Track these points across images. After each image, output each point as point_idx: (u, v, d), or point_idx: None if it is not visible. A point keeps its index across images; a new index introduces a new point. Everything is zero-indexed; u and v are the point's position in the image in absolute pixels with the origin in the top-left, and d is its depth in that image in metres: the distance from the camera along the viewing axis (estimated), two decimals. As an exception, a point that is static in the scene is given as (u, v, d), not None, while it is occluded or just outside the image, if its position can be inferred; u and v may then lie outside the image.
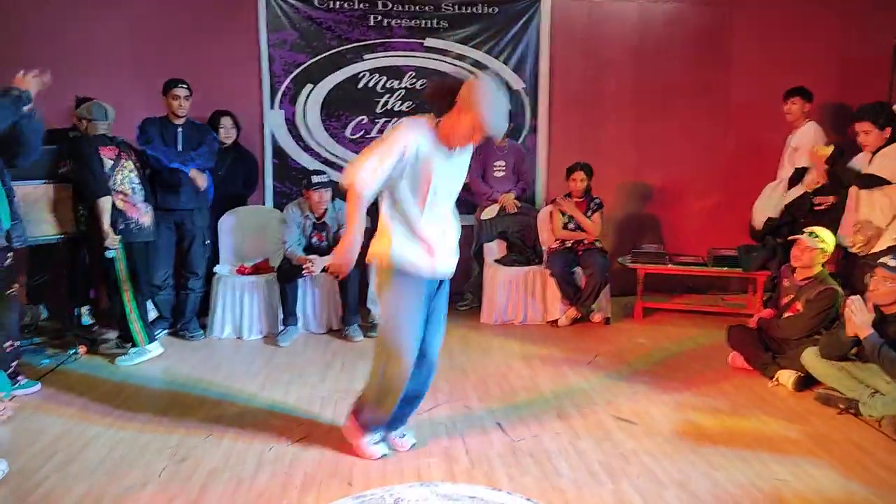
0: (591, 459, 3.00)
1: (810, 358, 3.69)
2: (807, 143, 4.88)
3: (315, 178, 4.71)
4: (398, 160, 2.62)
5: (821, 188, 4.52)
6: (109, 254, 4.12)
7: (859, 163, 4.08)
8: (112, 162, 4.16)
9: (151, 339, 4.30)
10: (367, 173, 2.61)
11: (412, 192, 2.69)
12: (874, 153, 3.99)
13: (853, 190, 4.14)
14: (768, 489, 2.75)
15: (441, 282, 2.88)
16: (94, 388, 3.82)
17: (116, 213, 4.13)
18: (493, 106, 2.61)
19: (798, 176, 4.83)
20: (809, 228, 4.00)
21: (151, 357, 4.27)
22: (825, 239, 3.93)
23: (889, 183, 3.84)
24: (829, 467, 2.93)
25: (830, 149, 4.23)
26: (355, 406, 3.03)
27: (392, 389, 2.84)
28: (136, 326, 4.22)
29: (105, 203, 4.09)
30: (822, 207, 4.56)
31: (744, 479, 2.83)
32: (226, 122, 5.08)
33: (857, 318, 3.38)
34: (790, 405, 3.63)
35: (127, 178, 4.22)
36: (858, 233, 4.00)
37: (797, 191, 4.80)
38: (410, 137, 2.64)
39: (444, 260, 2.80)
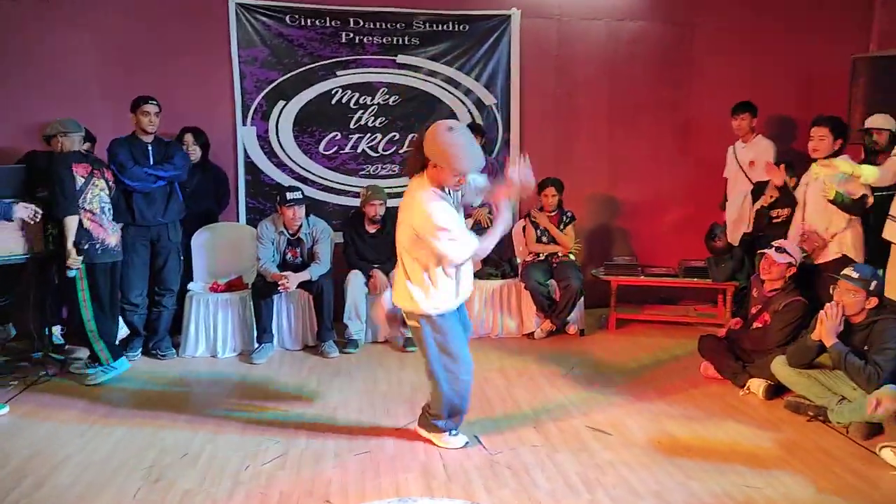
0: (568, 471, 3.03)
1: (779, 367, 3.76)
2: (763, 157, 5.01)
3: (289, 195, 4.69)
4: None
5: (776, 201, 4.65)
6: (71, 273, 4.07)
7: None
8: (84, 179, 4.11)
9: (116, 356, 4.24)
10: (468, 248, 2.98)
11: None
12: None
13: (801, 200, 4.27)
14: (742, 497, 2.80)
15: None
16: (64, 409, 3.75)
17: (82, 232, 4.07)
18: (461, 152, 2.86)
19: (760, 190, 4.95)
20: (777, 242, 4.11)
21: (118, 374, 4.21)
22: (792, 253, 4.03)
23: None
24: (800, 474, 2.99)
25: (783, 174, 4.51)
26: (424, 424, 3.32)
27: (465, 395, 3.21)
28: (98, 345, 4.17)
29: (71, 222, 4.02)
30: (779, 220, 4.68)
31: (718, 488, 2.88)
32: (188, 138, 5.01)
33: (828, 323, 3.47)
34: (761, 413, 3.70)
35: (97, 196, 4.18)
36: (804, 243, 4.13)
37: (757, 205, 4.93)
38: (442, 202, 2.95)
39: (467, 288, 3.19)
